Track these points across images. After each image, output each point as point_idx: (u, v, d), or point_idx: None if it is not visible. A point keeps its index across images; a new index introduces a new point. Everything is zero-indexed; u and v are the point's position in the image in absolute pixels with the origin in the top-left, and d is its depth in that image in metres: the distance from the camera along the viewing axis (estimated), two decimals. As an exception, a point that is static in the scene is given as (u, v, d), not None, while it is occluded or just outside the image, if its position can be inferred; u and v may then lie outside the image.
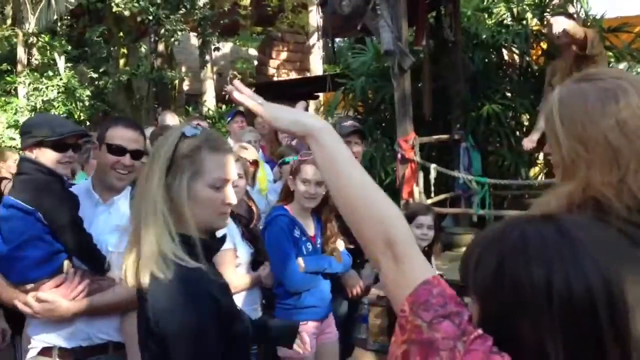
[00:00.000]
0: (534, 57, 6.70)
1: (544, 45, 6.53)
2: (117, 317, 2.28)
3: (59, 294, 2.17)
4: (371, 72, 6.99)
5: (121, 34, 12.17)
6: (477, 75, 6.44)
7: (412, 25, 5.76)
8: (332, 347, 3.15)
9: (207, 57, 12.73)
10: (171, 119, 5.27)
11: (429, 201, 4.91)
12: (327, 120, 6.47)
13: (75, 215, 2.22)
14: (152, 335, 1.47)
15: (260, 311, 3.07)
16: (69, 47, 10.92)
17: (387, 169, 6.13)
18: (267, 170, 4.34)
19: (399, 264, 0.96)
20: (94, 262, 2.26)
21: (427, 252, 3.37)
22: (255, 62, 16.10)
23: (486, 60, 6.66)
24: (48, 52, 10.81)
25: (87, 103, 10.62)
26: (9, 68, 10.86)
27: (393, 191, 4.84)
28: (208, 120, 9.82)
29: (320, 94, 12.02)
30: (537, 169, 7.05)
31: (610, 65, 5.68)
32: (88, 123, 10.50)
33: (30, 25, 10.52)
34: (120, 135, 2.35)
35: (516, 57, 6.87)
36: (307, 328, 2.86)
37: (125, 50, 12.76)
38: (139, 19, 11.02)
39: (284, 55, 15.22)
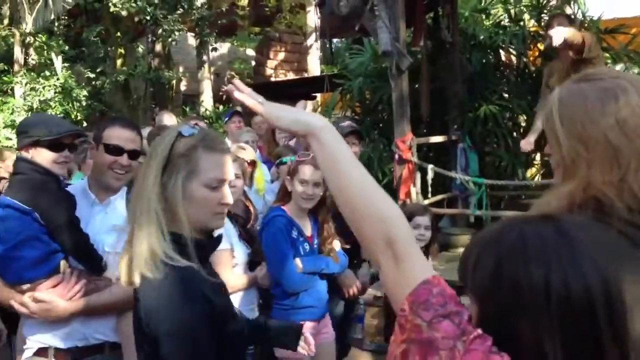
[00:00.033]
0: (531, 58, 6.71)
1: (541, 47, 6.54)
2: (113, 317, 2.28)
3: (56, 294, 2.16)
4: (369, 73, 6.99)
5: (118, 34, 12.16)
6: (475, 76, 6.45)
7: (409, 26, 5.76)
8: (329, 347, 3.15)
9: (205, 58, 12.74)
10: (169, 119, 5.26)
11: (426, 202, 4.91)
12: (324, 120, 6.44)
13: (72, 215, 2.22)
14: (144, 335, 1.46)
15: (257, 311, 3.07)
16: (66, 47, 10.91)
17: (384, 170, 6.13)
18: (264, 171, 4.33)
19: (399, 263, 0.95)
20: (90, 262, 2.26)
21: (424, 253, 3.37)
22: (253, 63, 16.11)
23: (484, 61, 6.67)
24: (45, 52, 10.80)
25: (84, 103, 10.61)
26: (6, 68, 10.84)
27: (390, 192, 4.82)
28: (205, 121, 9.82)
29: (318, 95, 12.03)
30: (534, 169, 7.07)
31: (607, 66, 5.69)
32: (85, 123, 10.49)
33: (28, 25, 10.51)
34: (118, 135, 2.34)
35: (513, 58, 6.88)
36: (304, 328, 2.86)
37: (122, 50, 12.75)
38: (136, 19, 11.01)
39: (281, 55, 15.23)
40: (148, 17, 10.56)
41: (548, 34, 3.88)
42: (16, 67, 10.64)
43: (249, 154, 3.79)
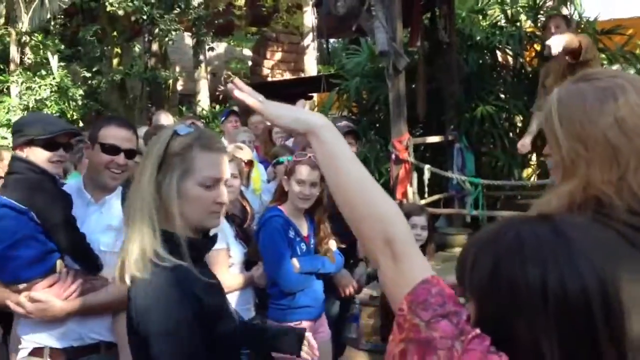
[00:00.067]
0: (528, 59, 6.74)
1: (538, 47, 6.56)
2: (108, 316, 2.27)
3: (52, 294, 2.16)
4: (366, 73, 7.01)
5: (115, 33, 12.14)
6: (471, 76, 6.47)
7: (406, 26, 5.77)
8: (325, 347, 3.15)
9: (201, 57, 12.73)
10: (165, 118, 5.25)
11: (423, 202, 4.92)
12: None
13: (69, 214, 2.21)
14: (136, 335, 1.46)
15: (254, 311, 3.06)
16: (62, 46, 10.88)
17: (381, 170, 6.14)
18: (261, 170, 4.33)
19: (397, 262, 0.95)
20: (87, 262, 2.25)
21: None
22: (250, 63, 16.12)
23: (480, 61, 6.69)
24: (41, 51, 10.76)
25: (80, 102, 10.58)
26: (2, 67, 10.80)
27: (387, 192, 4.82)
28: (202, 120, 9.80)
29: (315, 95, 12.04)
30: (530, 170, 7.10)
31: (603, 67, 5.71)
32: (81, 122, 10.46)
33: (24, 24, 10.47)
34: (114, 134, 2.34)
35: (510, 58, 6.91)
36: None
37: (118, 50, 12.74)
38: (133, 18, 11.00)
39: (278, 55, 15.23)
40: (145, 17, 10.54)
41: (546, 44, 3.87)
42: (12, 66, 10.60)
43: (247, 153, 3.79)
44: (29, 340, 2.24)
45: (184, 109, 12.71)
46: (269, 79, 14.53)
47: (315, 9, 6.86)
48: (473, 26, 6.96)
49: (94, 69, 11.04)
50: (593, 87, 1.14)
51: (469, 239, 0.95)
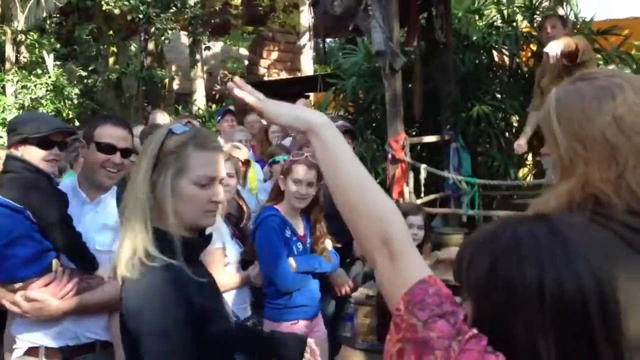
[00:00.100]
0: (524, 59, 6.74)
1: (534, 47, 6.58)
2: (104, 316, 2.27)
3: (48, 293, 2.15)
4: (362, 73, 7.00)
5: (111, 32, 12.11)
6: (468, 76, 6.47)
7: (403, 26, 5.77)
8: (321, 345, 3.14)
9: (198, 56, 12.72)
10: (161, 117, 5.24)
11: (419, 201, 4.92)
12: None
13: (65, 213, 2.20)
14: (128, 335, 1.46)
15: (250, 310, 3.06)
16: (58, 45, 10.83)
17: (377, 169, 6.14)
18: (257, 170, 4.33)
19: (394, 262, 0.95)
20: (83, 260, 2.25)
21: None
22: (246, 62, 16.09)
23: (476, 61, 6.69)
24: (37, 49, 10.71)
25: (75, 101, 10.54)
26: (-3, 66, 10.77)
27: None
28: (198, 119, 9.78)
29: (311, 94, 12.02)
30: (526, 169, 7.11)
31: (600, 67, 5.72)
32: (77, 121, 10.42)
33: (19, 22, 10.42)
34: (110, 133, 2.33)
35: (506, 58, 6.91)
36: (298, 327, 2.86)
37: (114, 49, 12.70)
38: (129, 17, 10.96)
39: (274, 55, 15.21)
40: (141, 16, 10.51)
41: (544, 51, 3.88)
42: (7, 65, 10.56)
43: (244, 153, 3.78)
44: (24, 339, 2.24)
45: (180, 108, 12.69)
46: (266, 78, 14.52)
47: (311, 8, 6.86)
48: (469, 26, 6.97)
49: (89, 68, 11.00)
50: (591, 86, 1.14)
51: (466, 239, 0.95)
